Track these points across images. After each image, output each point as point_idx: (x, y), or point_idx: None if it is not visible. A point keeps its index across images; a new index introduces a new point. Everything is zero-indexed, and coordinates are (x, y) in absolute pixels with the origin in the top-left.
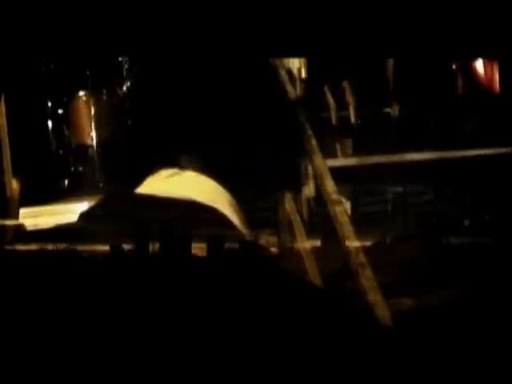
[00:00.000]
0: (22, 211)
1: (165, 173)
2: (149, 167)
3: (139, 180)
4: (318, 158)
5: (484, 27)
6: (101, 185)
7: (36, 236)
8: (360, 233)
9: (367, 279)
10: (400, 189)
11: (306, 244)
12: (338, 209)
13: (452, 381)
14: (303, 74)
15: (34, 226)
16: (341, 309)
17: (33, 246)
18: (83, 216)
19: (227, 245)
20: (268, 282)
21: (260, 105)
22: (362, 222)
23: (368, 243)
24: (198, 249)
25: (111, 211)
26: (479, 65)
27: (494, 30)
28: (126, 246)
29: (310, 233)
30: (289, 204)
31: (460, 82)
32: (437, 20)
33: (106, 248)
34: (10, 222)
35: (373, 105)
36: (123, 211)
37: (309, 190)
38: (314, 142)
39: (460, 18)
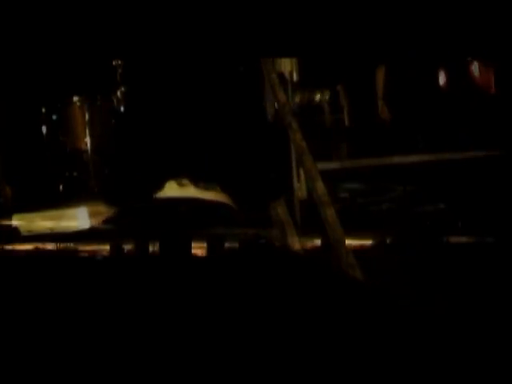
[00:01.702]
0: (15, 217)
1: (172, 184)
2: (144, 172)
3: (135, 184)
4: (309, 161)
5: (480, 29)
6: (95, 190)
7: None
8: (357, 233)
9: None
10: (397, 190)
11: (298, 245)
12: (328, 211)
13: (451, 381)
14: (295, 78)
15: (29, 231)
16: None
17: (32, 246)
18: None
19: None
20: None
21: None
22: (359, 221)
23: (366, 243)
24: (198, 249)
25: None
26: (475, 67)
27: (490, 31)
28: (126, 246)
29: (303, 234)
30: (281, 207)
31: (455, 84)
32: (434, 22)
33: (106, 248)
34: (5, 223)
35: (367, 108)
36: (137, 218)
37: (301, 193)
38: (304, 144)
39: (456, 20)
